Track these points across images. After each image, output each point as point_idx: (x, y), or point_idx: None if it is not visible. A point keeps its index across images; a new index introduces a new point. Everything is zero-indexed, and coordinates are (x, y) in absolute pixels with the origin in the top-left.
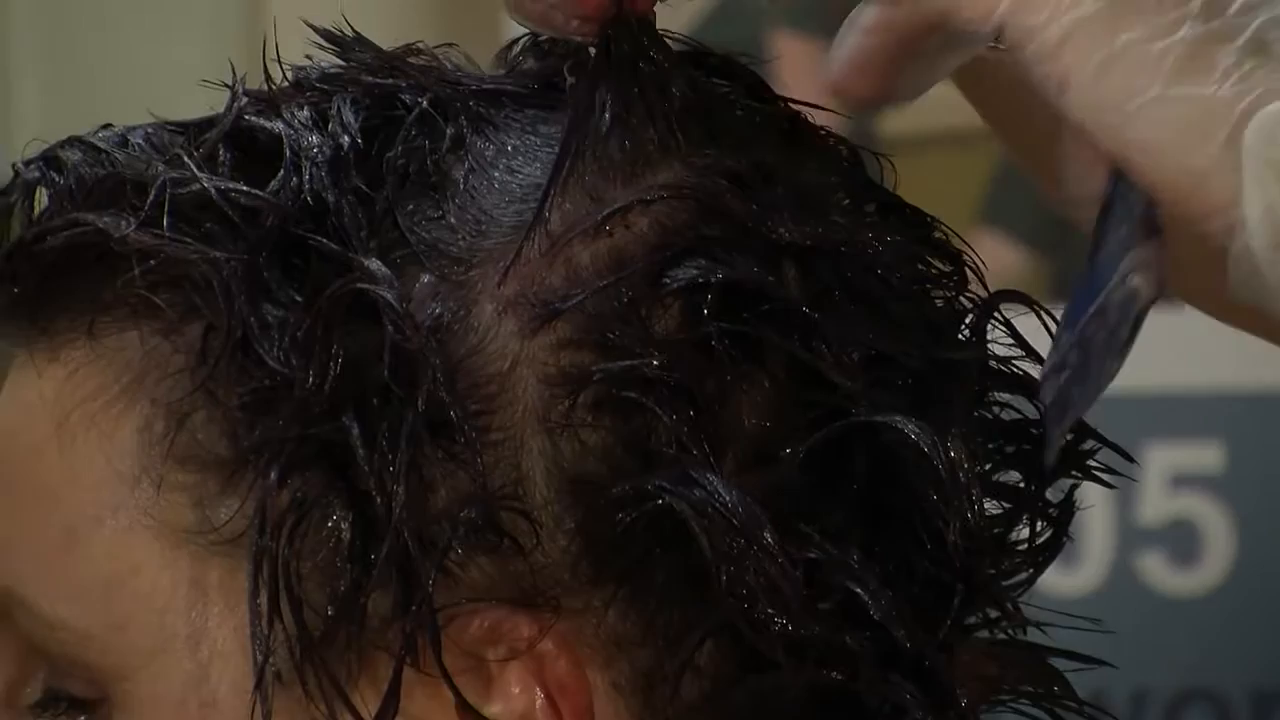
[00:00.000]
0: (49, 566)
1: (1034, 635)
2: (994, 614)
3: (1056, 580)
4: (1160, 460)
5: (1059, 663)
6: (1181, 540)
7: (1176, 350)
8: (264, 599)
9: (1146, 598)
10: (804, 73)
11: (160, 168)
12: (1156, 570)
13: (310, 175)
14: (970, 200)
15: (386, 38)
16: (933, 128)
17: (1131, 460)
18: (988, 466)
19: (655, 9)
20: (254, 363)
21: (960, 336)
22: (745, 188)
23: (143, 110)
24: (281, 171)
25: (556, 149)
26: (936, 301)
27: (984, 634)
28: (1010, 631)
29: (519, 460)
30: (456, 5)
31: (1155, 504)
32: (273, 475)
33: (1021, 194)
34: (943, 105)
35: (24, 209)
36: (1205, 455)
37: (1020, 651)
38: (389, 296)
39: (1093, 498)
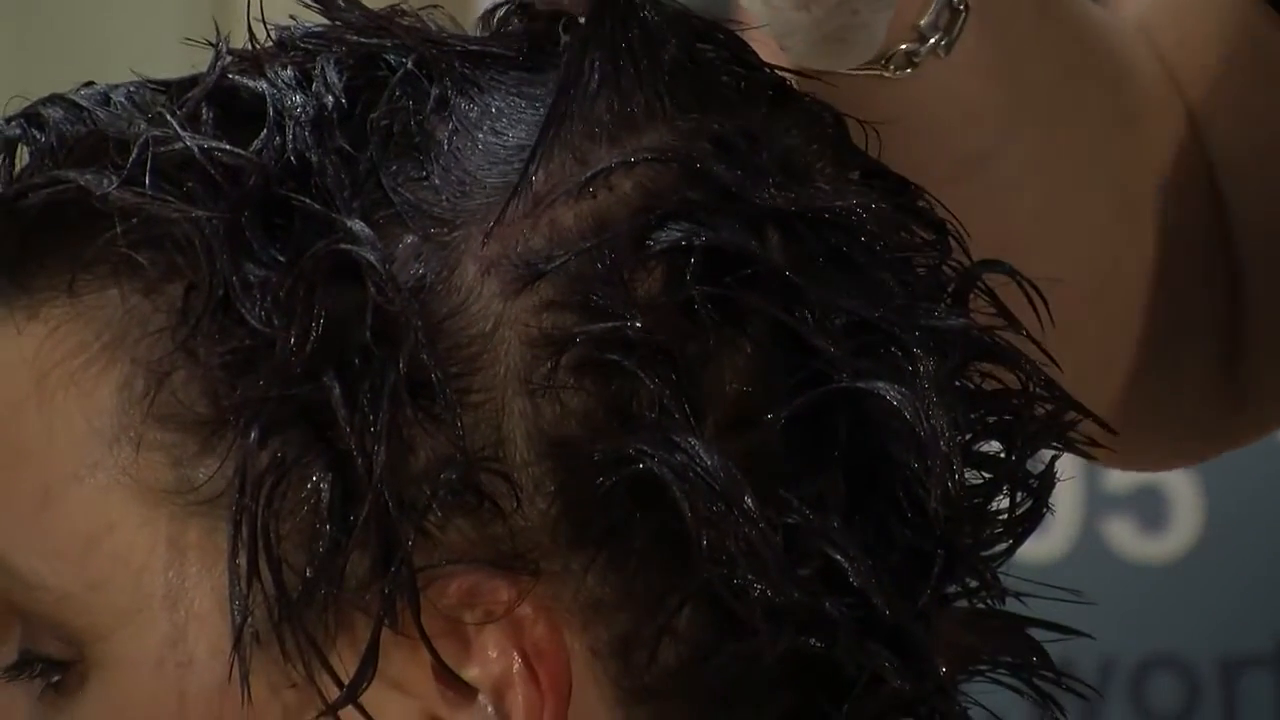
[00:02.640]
0: (27, 525)
1: (1011, 605)
2: (973, 584)
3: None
4: None
5: (1035, 633)
6: (1149, 506)
7: None
8: (242, 559)
9: (1114, 564)
10: None
11: (143, 126)
12: (1124, 536)
13: (294, 135)
14: None
15: None
16: None
17: (1114, 432)
18: (968, 436)
19: None
20: (235, 322)
21: (943, 304)
22: (730, 152)
23: (127, 68)
24: (265, 131)
25: (541, 111)
26: (919, 269)
27: (963, 603)
28: (989, 601)
29: (500, 422)
30: None
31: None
32: (253, 435)
33: None
34: None
35: (5, 166)
36: None
37: (999, 621)
38: (371, 257)
39: (1061, 464)
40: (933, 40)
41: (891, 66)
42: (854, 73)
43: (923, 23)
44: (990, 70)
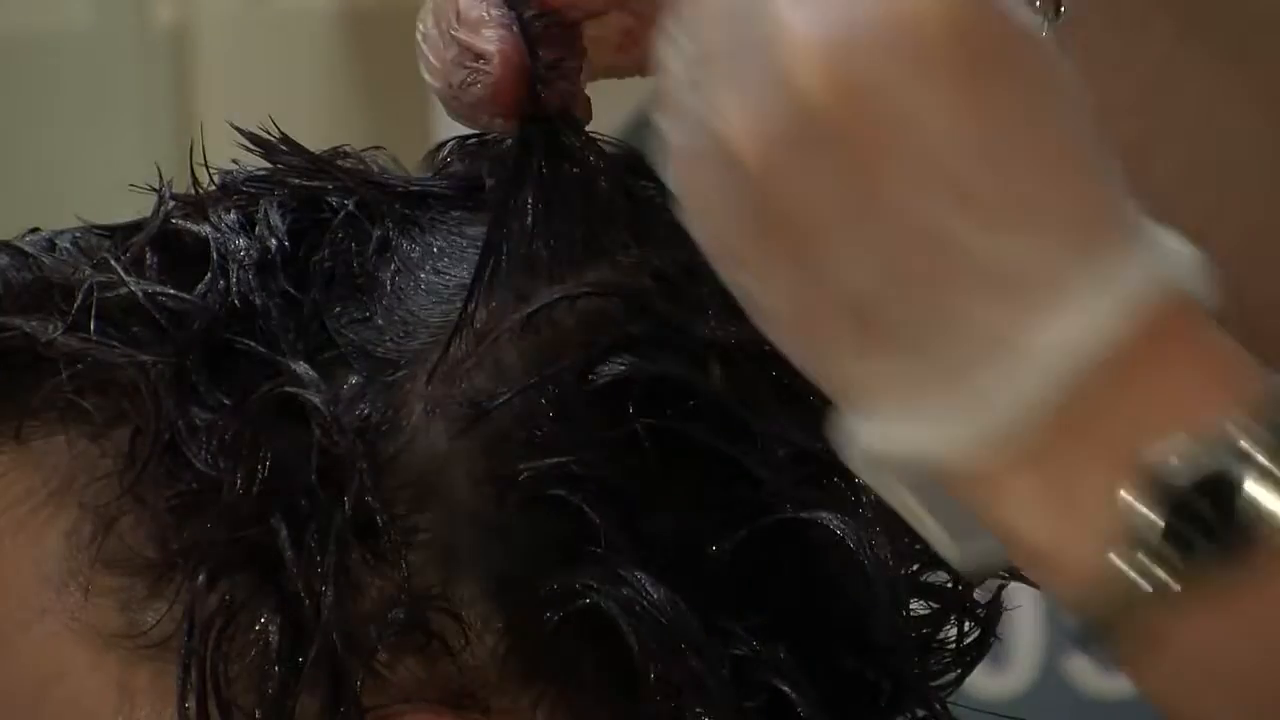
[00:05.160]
0: None
1: None
2: (921, 714)
3: (985, 682)
4: None
5: None
6: None
7: None
8: (192, 703)
9: (1075, 701)
10: None
11: (87, 271)
12: (1085, 673)
13: (238, 278)
14: None
15: (316, 139)
16: None
17: None
18: (915, 566)
19: (591, 109)
20: (182, 465)
21: None
22: (671, 286)
23: (72, 214)
24: (209, 274)
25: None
26: None
27: None
28: None
29: (447, 559)
30: (386, 107)
31: None
32: (201, 578)
33: None
34: None
35: None
36: None
37: None
38: (316, 400)
39: (1020, 598)
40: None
41: None
42: None
43: None
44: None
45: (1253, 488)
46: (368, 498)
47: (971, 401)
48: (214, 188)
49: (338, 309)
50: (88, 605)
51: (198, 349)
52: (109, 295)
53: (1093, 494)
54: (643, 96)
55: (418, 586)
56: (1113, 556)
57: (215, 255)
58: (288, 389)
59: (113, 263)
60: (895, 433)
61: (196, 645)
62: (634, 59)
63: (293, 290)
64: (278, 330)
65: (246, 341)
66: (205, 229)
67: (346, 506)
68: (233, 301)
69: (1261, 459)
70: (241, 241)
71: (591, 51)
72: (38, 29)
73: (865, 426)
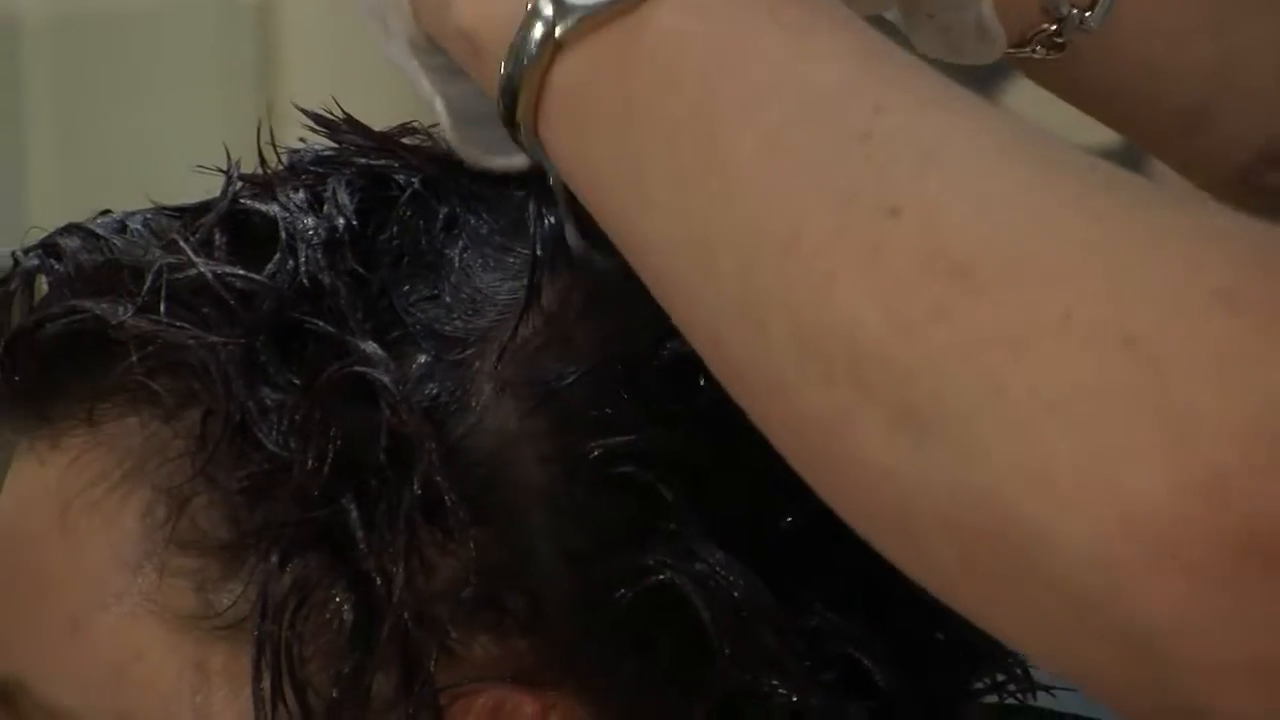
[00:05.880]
0: (55, 656)
1: (1042, 699)
2: (1000, 677)
3: None
4: None
5: None
6: None
7: None
8: (267, 683)
9: None
10: None
11: (157, 253)
12: None
13: (306, 258)
14: None
15: (400, 114)
16: None
17: None
18: None
19: None
20: (253, 446)
21: None
22: None
23: (155, 194)
24: (277, 254)
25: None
26: None
27: (991, 699)
28: (1018, 696)
29: (519, 537)
30: None
31: None
32: (274, 558)
33: None
34: None
35: (24, 297)
36: None
37: (1029, 717)
38: (385, 379)
39: None
40: (1071, 16)
41: (1038, 49)
42: (1010, 58)
43: (1048, 4)
44: (1181, 32)
45: None
46: (436, 477)
47: None
48: (282, 168)
49: (406, 287)
50: (163, 586)
51: (267, 329)
52: (179, 276)
53: None
54: None
55: (489, 565)
56: (519, 10)
57: (284, 235)
58: (357, 368)
59: (182, 244)
60: None
61: (270, 626)
62: None
63: (361, 269)
64: (346, 309)
65: (315, 321)
66: (274, 208)
67: (415, 486)
68: (301, 281)
69: None
70: (310, 221)
71: None
72: (121, 7)
73: None
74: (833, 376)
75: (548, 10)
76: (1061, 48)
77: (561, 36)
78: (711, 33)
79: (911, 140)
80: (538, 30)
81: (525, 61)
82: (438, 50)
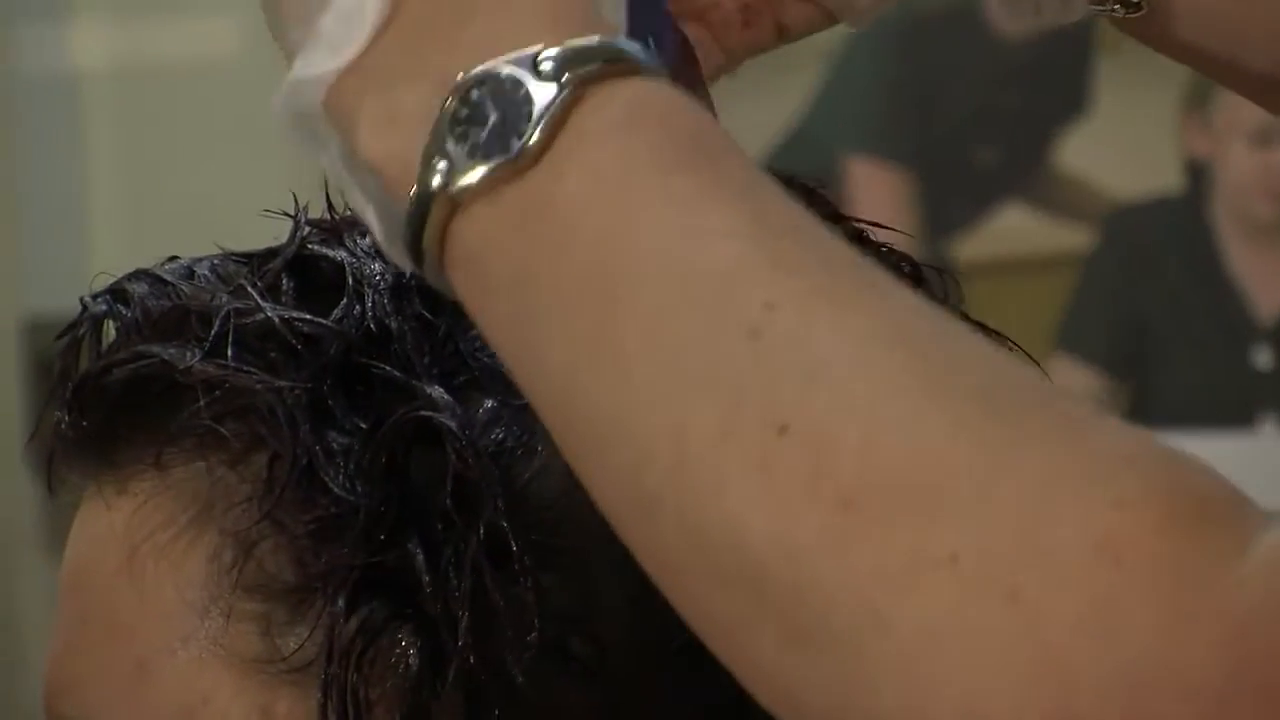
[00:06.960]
0: (122, 699)
1: None
2: None
3: None
4: None
5: None
6: None
7: None
8: None
9: None
10: (878, 197)
11: (224, 298)
12: None
13: (373, 302)
14: (1046, 326)
15: None
16: (1009, 254)
17: None
18: None
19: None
20: (319, 490)
21: None
22: None
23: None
24: (344, 299)
25: None
26: None
27: None
28: None
29: (585, 581)
30: None
31: None
32: (340, 603)
33: (1097, 319)
34: (1019, 233)
35: (92, 342)
36: None
37: None
38: (451, 424)
39: None
40: None
41: (1117, 7)
42: (1094, 13)
43: None
44: None
45: (536, 89)
46: (502, 522)
47: (325, 39)
48: (349, 213)
49: (472, 331)
50: (230, 630)
51: (333, 374)
52: (246, 321)
53: (415, 106)
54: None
55: (556, 609)
56: (417, 155)
57: (350, 280)
58: (423, 413)
59: (249, 289)
60: (293, 76)
61: (337, 670)
62: (764, 32)
63: (427, 313)
64: (412, 354)
65: (382, 366)
66: (341, 254)
67: (481, 530)
68: (368, 326)
69: (548, 66)
70: (376, 266)
71: (718, 36)
72: (185, 56)
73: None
74: (727, 580)
75: (441, 164)
76: (1139, 7)
77: (457, 194)
78: (603, 199)
79: (801, 348)
80: (435, 180)
81: (424, 214)
82: None
